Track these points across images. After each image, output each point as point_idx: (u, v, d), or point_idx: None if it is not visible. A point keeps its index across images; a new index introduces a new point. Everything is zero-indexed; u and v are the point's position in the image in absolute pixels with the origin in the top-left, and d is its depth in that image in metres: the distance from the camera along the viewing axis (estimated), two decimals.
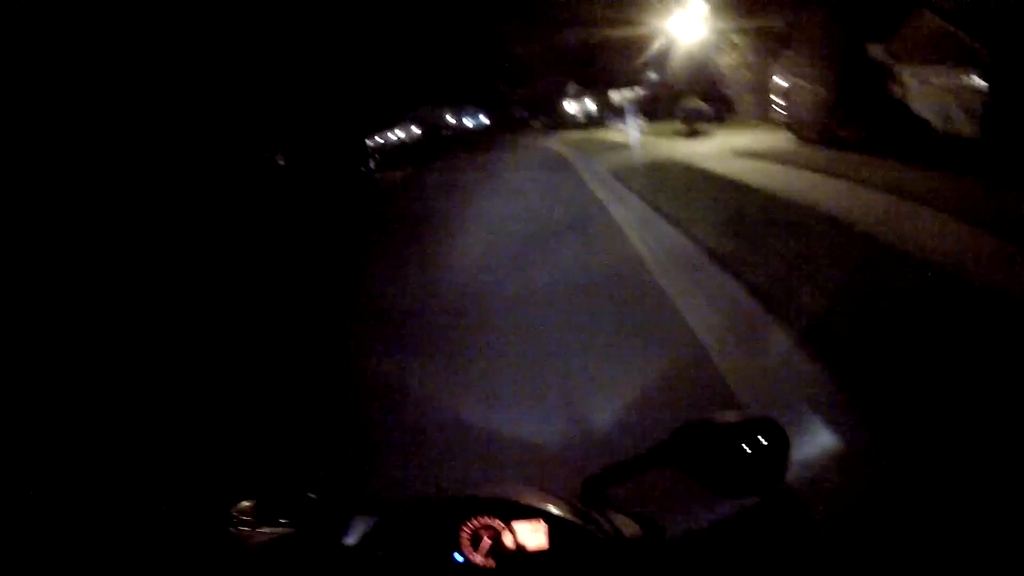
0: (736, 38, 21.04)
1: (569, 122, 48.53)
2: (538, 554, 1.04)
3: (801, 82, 14.12)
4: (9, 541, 3.19)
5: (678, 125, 23.04)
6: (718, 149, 15.04)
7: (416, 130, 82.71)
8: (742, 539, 2.13)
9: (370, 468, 3.61)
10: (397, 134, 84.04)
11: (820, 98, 12.89)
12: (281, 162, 33.01)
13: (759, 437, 1.07)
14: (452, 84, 73.96)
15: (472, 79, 71.13)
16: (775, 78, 15.06)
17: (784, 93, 14.59)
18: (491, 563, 1.04)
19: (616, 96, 43.11)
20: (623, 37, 28.19)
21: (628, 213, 9.92)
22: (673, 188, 10.82)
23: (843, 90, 12.46)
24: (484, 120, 75.17)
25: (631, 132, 16.69)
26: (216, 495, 1.19)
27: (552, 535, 1.04)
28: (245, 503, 1.18)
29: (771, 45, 18.59)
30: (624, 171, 14.04)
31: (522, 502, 1.06)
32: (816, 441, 3.17)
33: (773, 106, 15.00)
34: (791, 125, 14.05)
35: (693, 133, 20.04)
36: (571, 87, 53.37)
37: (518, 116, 68.26)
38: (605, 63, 42.63)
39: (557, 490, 1.12)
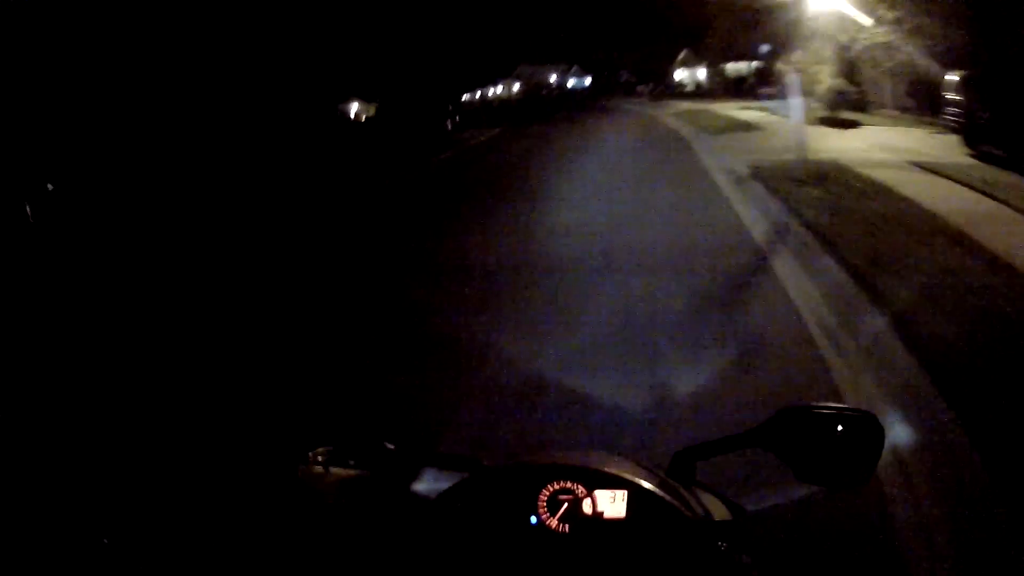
0: (878, 14, 18.79)
1: (679, 91, 46.14)
2: (615, 523, 1.03)
3: (968, 80, 12.20)
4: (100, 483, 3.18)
5: (813, 107, 20.89)
6: (887, 152, 11.94)
7: (516, 87, 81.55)
8: (823, 529, 2.16)
9: (454, 423, 3.54)
10: (496, 91, 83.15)
11: (994, 104, 11.00)
12: (363, 117, 32.06)
13: (856, 430, 1.08)
14: (556, 43, 71.98)
15: (578, 39, 68.85)
16: (948, 75, 13.05)
17: (953, 90, 12.63)
18: (565, 528, 1.04)
19: (734, 68, 40.61)
20: (746, 5, 26.05)
21: (821, 297, 5.23)
22: (887, 240, 6.34)
23: (1012, 96, 10.61)
24: (587, 82, 72.94)
25: (770, 113, 14.69)
26: (294, 440, 1.22)
27: (632, 506, 1.03)
28: (321, 448, 1.19)
29: (921, 25, 16.41)
30: (773, 175, 9.84)
31: (606, 471, 1.06)
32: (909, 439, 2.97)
33: (946, 105, 12.92)
34: (958, 129, 12.15)
35: (844, 123, 17.32)
36: (683, 55, 50.80)
37: (623, 80, 65.88)
38: (722, 32, 40.03)
39: (645, 460, 1.12)
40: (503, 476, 1.11)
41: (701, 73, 48.04)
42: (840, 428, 1.07)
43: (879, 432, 1.07)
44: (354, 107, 39.67)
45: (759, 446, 1.10)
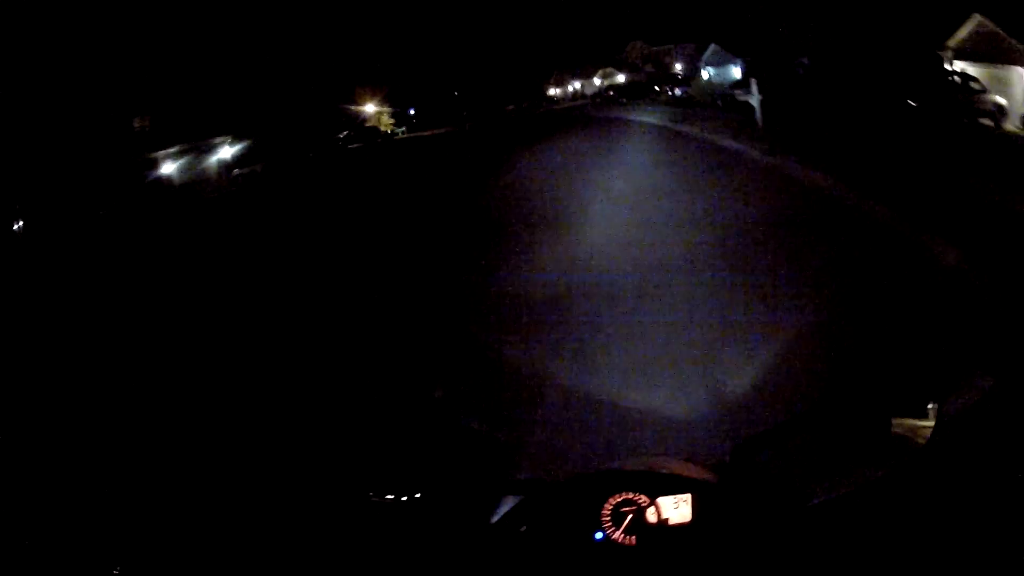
0: None
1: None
2: (681, 528, 1.01)
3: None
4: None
5: None
6: None
7: (620, 78, 55.86)
8: (889, 509, 1.86)
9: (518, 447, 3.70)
10: (596, 82, 58.64)
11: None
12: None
13: (910, 402, 1.06)
14: (685, 11, 45.03)
15: (718, 5, 40.86)
16: None
17: None
18: (631, 540, 1.02)
19: None
20: None
21: None
22: None
23: None
24: (735, 72, 43.92)
25: None
26: (359, 470, 1.40)
27: (697, 508, 1.02)
28: (383, 478, 1.20)
29: None
30: None
31: (668, 474, 1.05)
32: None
33: None
34: None
35: None
36: (969, 28, 22.29)
37: (801, 71, 37.20)
38: None
39: (705, 459, 1.11)
40: (563, 492, 1.09)
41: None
42: (884, 395, 1.06)
43: (923, 396, 1.05)
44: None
45: (811, 430, 1.09)
